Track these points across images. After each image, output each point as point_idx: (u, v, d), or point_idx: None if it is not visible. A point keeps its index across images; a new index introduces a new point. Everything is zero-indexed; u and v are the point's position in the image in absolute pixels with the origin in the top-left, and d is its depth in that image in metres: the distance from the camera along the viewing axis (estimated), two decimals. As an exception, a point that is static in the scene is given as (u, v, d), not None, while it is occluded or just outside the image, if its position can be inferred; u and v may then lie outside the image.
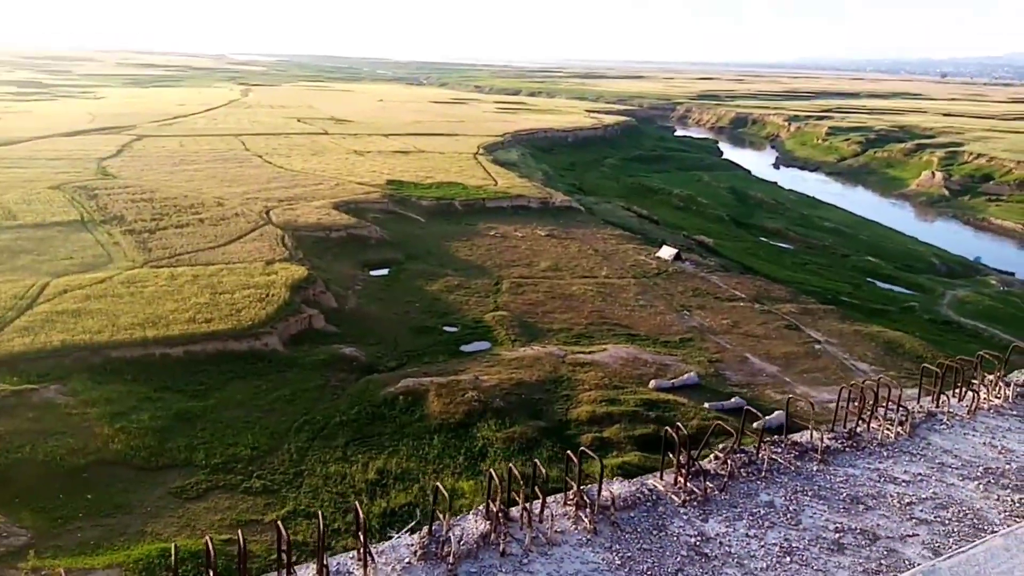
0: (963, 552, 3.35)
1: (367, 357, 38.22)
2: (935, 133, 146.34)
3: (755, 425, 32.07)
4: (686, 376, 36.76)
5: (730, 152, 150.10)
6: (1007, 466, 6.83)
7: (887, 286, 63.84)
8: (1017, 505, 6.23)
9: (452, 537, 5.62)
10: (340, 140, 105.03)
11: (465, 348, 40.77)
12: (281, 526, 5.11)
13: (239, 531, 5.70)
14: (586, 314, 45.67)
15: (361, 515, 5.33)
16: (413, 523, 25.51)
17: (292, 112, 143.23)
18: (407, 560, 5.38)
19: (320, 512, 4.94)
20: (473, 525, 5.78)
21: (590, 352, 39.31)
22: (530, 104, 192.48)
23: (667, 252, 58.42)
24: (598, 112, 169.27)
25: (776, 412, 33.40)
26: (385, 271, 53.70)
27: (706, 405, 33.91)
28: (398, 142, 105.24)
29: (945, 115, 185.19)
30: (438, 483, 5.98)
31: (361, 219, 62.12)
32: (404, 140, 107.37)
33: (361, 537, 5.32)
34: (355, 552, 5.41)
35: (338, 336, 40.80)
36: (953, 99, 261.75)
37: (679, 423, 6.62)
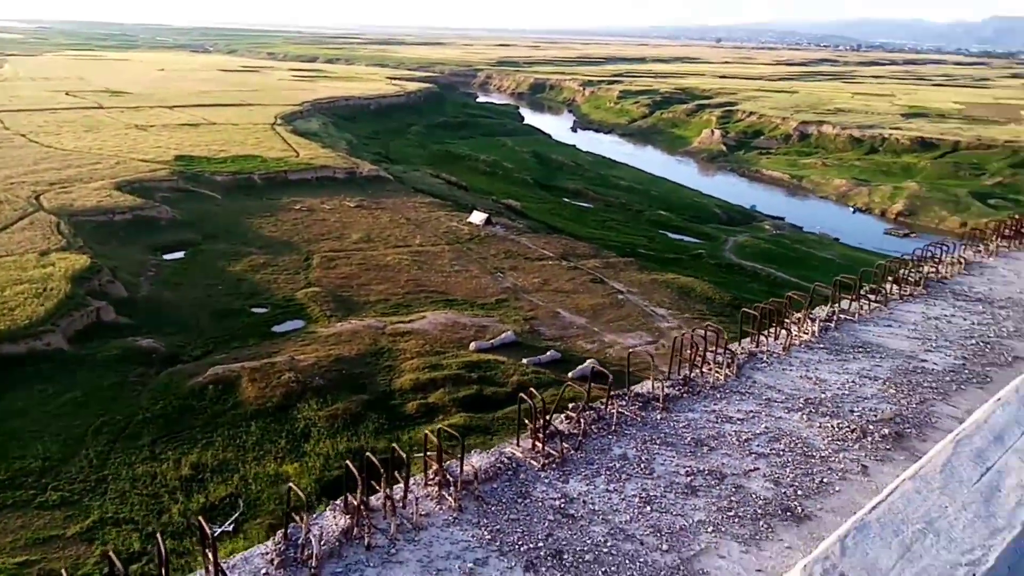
0: (883, 502, 3.64)
1: (168, 348, 35.56)
2: (712, 94, 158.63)
3: (570, 375, 33.72)
4: (504, 335, 37.67)
5: (531, 117, 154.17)
6: (823, 395, 7.53)
7: (678, 236, 68.79)
8: (837, 430, 6.91)
9: (312, 538, 5.22)
10: (118, 114, 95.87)
11: (277, 328, 39.09)
12: (114, 557, 4.48)
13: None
14: (403, 283, 45.33)
15: (207, 529, 4.79)
16: (237, 514, 24.38)
17: (59, 84, 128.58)
18: (264, 571, 4.96)
19: (159, 536, 4.40)
20: (332, 521, 5.44)
21: (409, 321, 39.14)
22: (328, 71, 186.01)
23: (478, 217, 59.20)
24: (400, 79, 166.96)
25: (588, 360, 35.26)
26: (181, 254, 49.99)
27: (524, 361, 35.00)
28: (185, 114, 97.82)
29: (720, 77, 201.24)
30: (291, 484, 5.54)
31: (149, 199, 57.30)
32: (192, 112, 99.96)
33: (210, 555, 4.78)
34: (202, 572, 4.88)
35: (133, 328, 37.59)
36: (726, 63, 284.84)
37: (534, 390, 6.70)
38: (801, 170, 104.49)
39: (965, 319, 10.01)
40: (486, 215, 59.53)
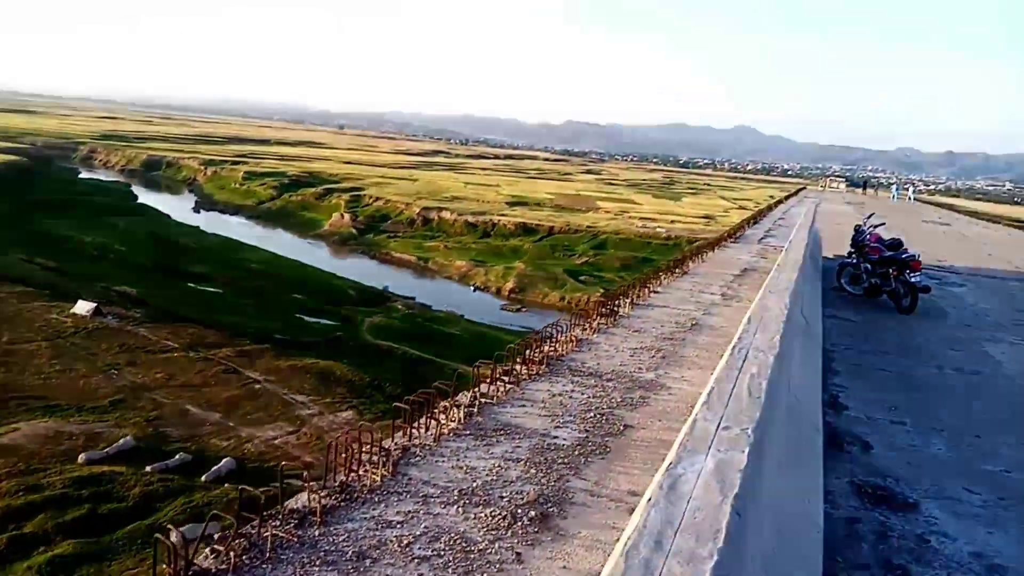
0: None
1: None
2: (340, 178, 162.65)
3: (203, 478, 30.87)
4: (122, 442, 33.36)
5: (146, 196, 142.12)
6: (474, 484, 7.68)
7: (315, 319, 68.24)
8: (491, 519, 7.04)
9: None
10: None
11: None
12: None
13: None
14: (-15, 391, 37.80)
15: None
16: None
17: None
18: None
19: None
20: None
21: (-5, 437, 32.65)
22: None
23: (84, 307, 52.22)
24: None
25: (224, 459, 32.69)
26: None
27: (148, 468, 31.25)
28: None
29: (346, 163, 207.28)
30: None
31: None
32: None
33: None
34: None
35: None
36: (351, 149, 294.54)
37: (170, 524, 5.72)
38: (426, 252, 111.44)
39: (583, 394, 11.31)
40: (94, 305, 52.81)
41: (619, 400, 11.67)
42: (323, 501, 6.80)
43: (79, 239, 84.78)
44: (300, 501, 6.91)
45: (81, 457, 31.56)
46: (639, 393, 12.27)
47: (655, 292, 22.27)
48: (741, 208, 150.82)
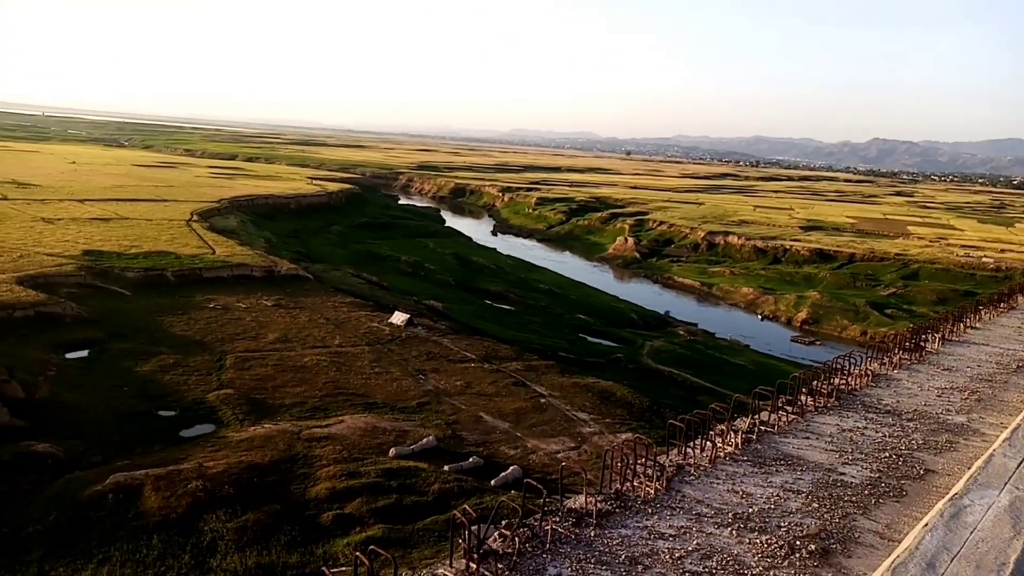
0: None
1: (66, 453, 33.33)
2: (625, 203, 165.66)
3: (492, 483, 33.21)
4: (425, 440, 36.96)
5: (452, 220, 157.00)
6: (750, 509, 7.66)
7: (597, 340, 69.96)
8: (766, 547, 7.00)
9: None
10: (24, 206, 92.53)
11: (186, 433, 37.26)
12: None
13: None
14: (320, 386, 44.24)
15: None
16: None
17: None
18: None
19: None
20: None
21: (326, 425, 38.02)
22: (248, 169, 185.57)
23: (399, 318, 58.94)
24: (321, 179, 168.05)
25: (512, 467, 34.85)
26: (85, 352, 47.59)
27: (446, 468, 34.30)
28: (96, 208, 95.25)
29: (632, 188, 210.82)
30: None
31: (52, 295, 54.84)
32: (103, 206, 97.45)
33: None
34: None
35: (29, 431, 35.18)
36: (637, 174, 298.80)
37: (466, 506, 6.62)
38: (711, 278, 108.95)
39: (877, 431, 10.55)
40: (408, 316, 59.36)
41: (920, 442, 10.64)
42: (599, 505, 7.20)
43: (396, 257, 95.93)
44: (578, 502, 7.39)
45: (391, 451, 35.57)
46: (945, 437, 11.05)
47: (972, 328, 19.80)
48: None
